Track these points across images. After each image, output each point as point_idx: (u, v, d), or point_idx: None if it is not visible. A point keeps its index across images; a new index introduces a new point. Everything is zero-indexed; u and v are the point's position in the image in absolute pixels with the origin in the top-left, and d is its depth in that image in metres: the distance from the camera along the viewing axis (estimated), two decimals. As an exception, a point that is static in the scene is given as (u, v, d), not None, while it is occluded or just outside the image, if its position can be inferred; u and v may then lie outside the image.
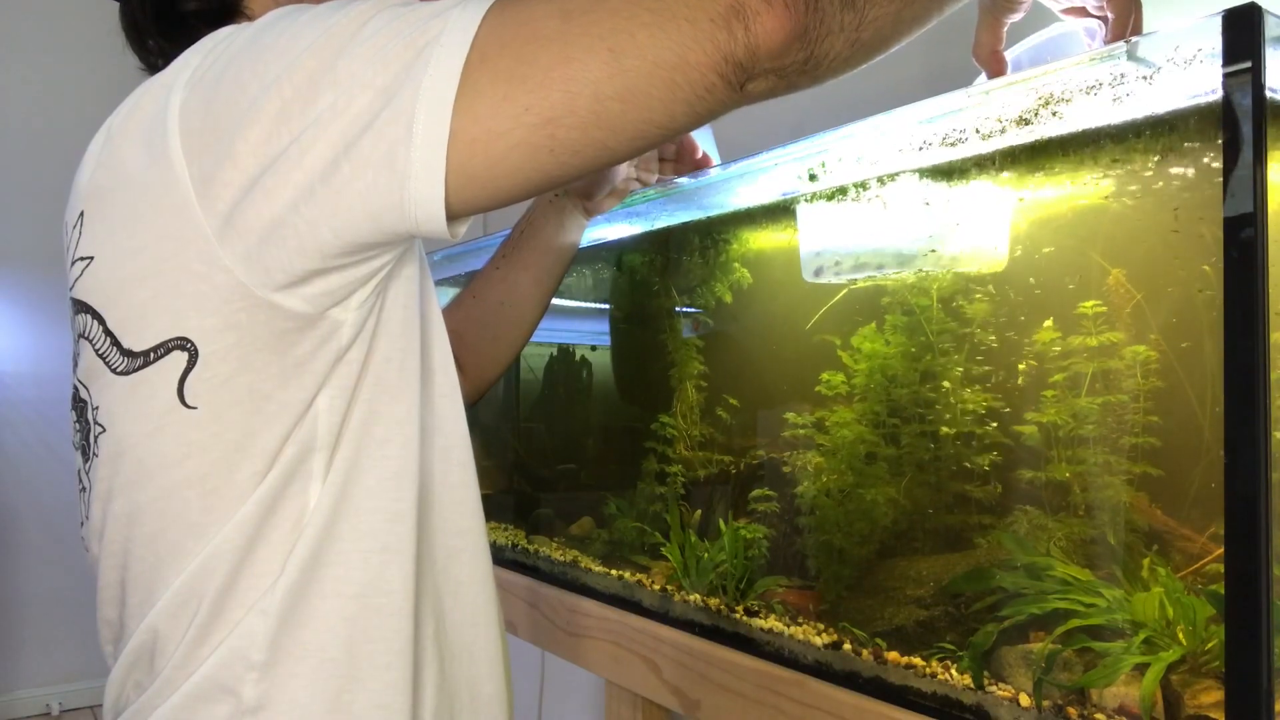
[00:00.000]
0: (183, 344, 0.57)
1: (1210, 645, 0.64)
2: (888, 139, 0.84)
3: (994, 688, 0.74)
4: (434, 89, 0.50)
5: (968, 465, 0.81)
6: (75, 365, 0.66)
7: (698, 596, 1.03)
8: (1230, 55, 0.56)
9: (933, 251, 0.84)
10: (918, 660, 0.80)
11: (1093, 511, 0.72)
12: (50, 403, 3.24)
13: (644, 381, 1.26)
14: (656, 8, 0.49)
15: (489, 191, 0.53)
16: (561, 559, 1.28)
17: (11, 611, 3.22)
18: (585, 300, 1.39)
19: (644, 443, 1.18)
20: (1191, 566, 0.67)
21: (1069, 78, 0.69)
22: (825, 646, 0.86)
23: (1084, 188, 0.72)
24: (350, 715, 0.60)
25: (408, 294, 0.64)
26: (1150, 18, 0.70)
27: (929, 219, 0.83)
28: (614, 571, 1.17)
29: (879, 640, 0.83)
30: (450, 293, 1.45)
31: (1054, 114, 0.71)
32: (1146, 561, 0.68)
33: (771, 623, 0.93)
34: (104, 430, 0.62)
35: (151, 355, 0.58)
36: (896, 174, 0.85)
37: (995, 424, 0.79)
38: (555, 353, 1.48)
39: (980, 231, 0.81)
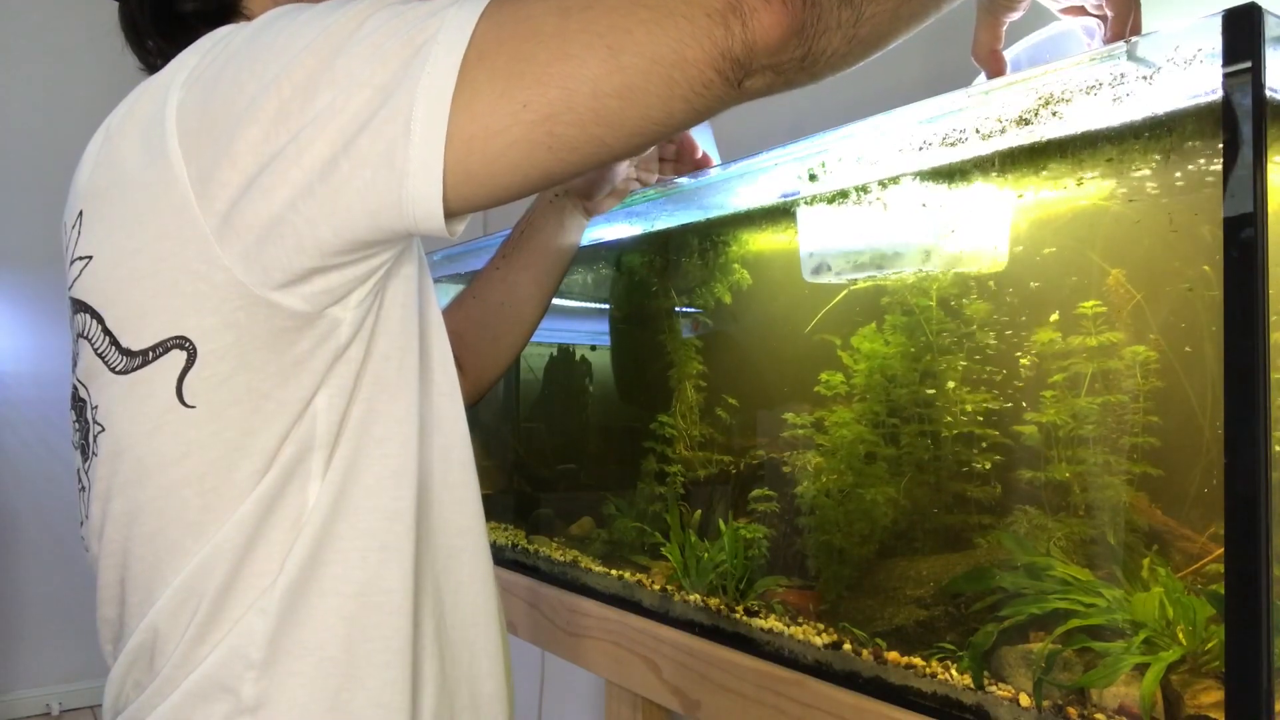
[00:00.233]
0: (181, 343, 0.57)
1: (1210, 645, 0.64)
2: (888, 139, 0.84)
3: (994, 688, 0.74)
4: (432, 87, 0.50)
5: (967, 465, 0.81)
6: (74, 365, 0.66)
7: (698, 596, 1.03)
8: (1230, 55, 0.56)
9: (933, 251, 0.84)
10: (918, 660, 0.80)
11: (1093, 511, 0.72)
12: (50, 403, 3.23)
13: (644, 382, 1.26)
14: (654, 5, 0.49)
15: (487, 189, 0.53)
16: (561, 559, 1.28)
17: (11, 611, 3.22)
18: (585, 300, 1.39)
19: (644, 443, 1.18)
20: (1191, 566, 0.67)
21: (1069, 77, 0.69)
22: (825, 646, 0.86)
23: (1084, 188, 0.72)
24: (349, 714, 0.60)
25: (406, 293, 0.64)
26: (1150, 18, 0.70)
27: (929, 219, 0.83)
28: (614, 571, 1.17)
29: (879, 640, 0.83)
30: (450, 292, 1.45)
31: (1054, 114, 0.71)
32: (1146, 561, 0.68)
33: (771, 623, 0.93)
34: (103, 429, 0.62)
35: (150, 354, 0.58)
36: (898, 176, 0.85)
37: (995, 424, 0.79)
38: (555, 353, 1.48)
39: (980, 232, 0.80)
